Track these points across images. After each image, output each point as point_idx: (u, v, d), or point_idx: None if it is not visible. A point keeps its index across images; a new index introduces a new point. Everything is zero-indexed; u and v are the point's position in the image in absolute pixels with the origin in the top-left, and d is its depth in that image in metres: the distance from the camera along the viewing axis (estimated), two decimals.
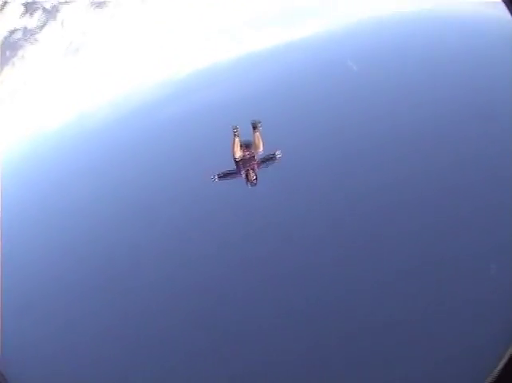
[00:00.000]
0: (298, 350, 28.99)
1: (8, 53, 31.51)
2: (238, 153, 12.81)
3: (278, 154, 12.94)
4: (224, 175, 13.05)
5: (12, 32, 29.77)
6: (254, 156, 13.08)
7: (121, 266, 36.36)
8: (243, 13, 49.07)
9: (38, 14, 30.92)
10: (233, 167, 13.16)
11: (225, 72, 48.26)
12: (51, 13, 32.09)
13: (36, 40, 32.77)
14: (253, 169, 12.92)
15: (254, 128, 12.86)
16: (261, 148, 12.71)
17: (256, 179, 12.85)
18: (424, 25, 44.95)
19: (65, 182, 41.65)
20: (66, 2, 32.68)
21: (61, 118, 44.55)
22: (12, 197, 36.86)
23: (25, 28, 30.69)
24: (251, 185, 12.84)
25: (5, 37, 29.18)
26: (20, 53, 32.61)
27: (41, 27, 32.46)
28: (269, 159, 13.00)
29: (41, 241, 38.43)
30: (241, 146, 12.85)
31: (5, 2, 25.14)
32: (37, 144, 44.41)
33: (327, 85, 44.00)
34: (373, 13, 47.59)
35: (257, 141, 12.80)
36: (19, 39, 31.44)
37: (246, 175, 12.88)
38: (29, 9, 28.68)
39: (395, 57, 44.43)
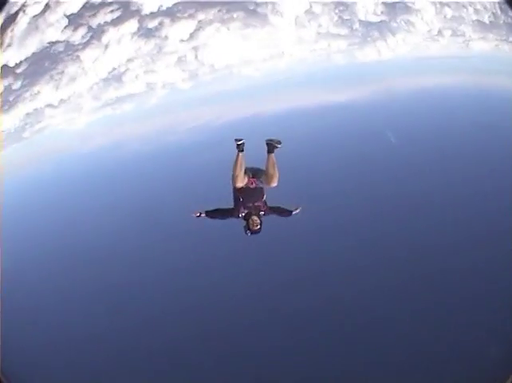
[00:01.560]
0: None
1: (47, 64, 32.07)
2: (241, 179, 9.60)
3: (297, 211, 10.18)
4: (214, 213, 9.99)
5: (53, 43, 30.04)
6: (262, 191, 9.90)
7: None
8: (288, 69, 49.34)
9: (83, 31, 31.23)
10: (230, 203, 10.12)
11: (264, 125, 48.32)
12: (96, 32, 32.48)
13: (78, 57, 33.23)
14: (257, 212, 9.70)
15: (270, 149, 9.72)
16: (275, 181, 9.56)
17: (260, 227, 9.64)
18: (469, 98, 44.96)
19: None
20: (113, 24, 33.15)
21: (91, 144, 45.47)
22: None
23: (68, 42, 31.02)
24: (251, 233, 9.67)
25: (45, 47, 29.42)
26: (60, 67, 33.01)
27: (85, 45, 32.89)
28: (283, 211, 10.20)
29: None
30: (246, 171, 9.74)
31: (48, 6, 25.26)
32: (67, 166, 45.30)
33: (361, 152, 44.43)
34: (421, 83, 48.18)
35: (270, 169, 9.60)
36: (60, 52, 31.75)
37: (247, 218, 9.66)
38: (73, 22, 28.92)
39: (437, 129, 44.63)
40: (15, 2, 22.90)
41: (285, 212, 10.25)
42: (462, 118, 43.90)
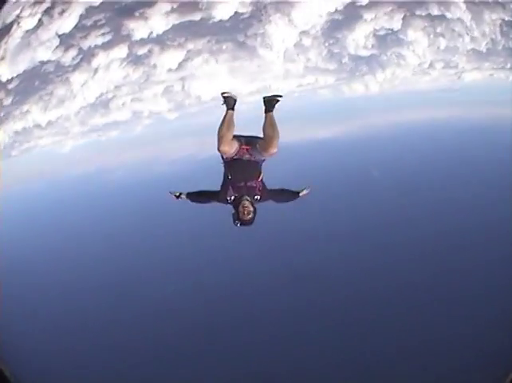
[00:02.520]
0: None
1: (37, 83, 32.29)
2: (227, 142, 7.49)
3: (305, 191, 8.40)
4: (197, 196, 8.26)
5: (44, 63, 30.28)
6: (258, 167, 7.92)
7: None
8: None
9: (73, 53, 31.47)
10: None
11: None
12: (86, 55, 32.74)
13: (67, 79, 33.49)
14: (250, 195, 7.67)
15: (268, 107, 7.87)
16: (274, 145, 7.52)
17: (252, 216, 7.62)
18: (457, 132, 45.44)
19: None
20: (103, 48, 33.54)
21: (76, 169, 45.51)
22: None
23: (58, 63, 31.25)
24: (241, 224, 7.63)
25: (36, 66, 29.65)
26: (49, 87, 33.20)
27: (74, 68, 33.16)
28: (286, 194, 8.30)
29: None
30: (238, 138, 7.79)
31: (41, 22, 25.59)
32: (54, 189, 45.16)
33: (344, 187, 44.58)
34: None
35: (269, 130, 7.62)
36: (50, 73, 31.92)
37: (236, 204, 7.62)
38: (64, 42, 29.22)
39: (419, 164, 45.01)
40: (10, 12, 23.02)
41: (289, 195, 8.34)
42: (451, 152, 44.36)
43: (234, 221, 7.65)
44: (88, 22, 29.83)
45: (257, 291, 35.58)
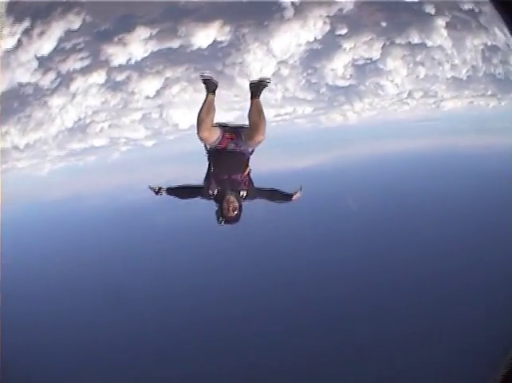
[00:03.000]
0: None
1: (16, 105, 32.41)
2: (207, 128, 6.86)
3: (298, 194, 7.79)
4: (178, 191, 7.56)
5: (23, 85, 30.42)
6: (244, 159, 7.34)
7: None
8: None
9: (52, 76, 31.62)
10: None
11: None
12: (64, 79, 32.95)
13: (45, 103, 33.66)
14: (234, 188, 7.06)
15: (255, 92, 7.32)
16: (260, 131, 6.90)
17: (237, 213, 6.97)
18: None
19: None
20: (82, 73, 33.78)
21: (53, 193, 45.18)
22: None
23: (37, 86, 31.42)
24: (225, 222, 6.94)
25: (15, 88, 29.78)
26: (27, 110, 33.35)
27: (53, 91, 33.34)
28: (278, 195, 7.75)
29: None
30: (222, 127, 7.20)
31: (20, 42, 25.84)
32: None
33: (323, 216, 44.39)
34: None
35: (255, 116, 7.03)
36: (29, 95, 32.20)
37: (219, 199, 6.95)
38: (42, 65, 29.43)
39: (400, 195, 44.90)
40: None
41: (281, 197, 7.75)
42: (428, 182, 44.21)
43: (218, 219, 6.94)
44: (67, 45, 30.07)
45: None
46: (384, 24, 33.55)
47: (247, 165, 7.25)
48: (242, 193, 7.05)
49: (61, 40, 29.02)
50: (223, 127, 7.18)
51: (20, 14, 24.80)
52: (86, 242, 45.30)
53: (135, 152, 45.51)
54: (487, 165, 39.58)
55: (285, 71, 39.00)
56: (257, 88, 7.32)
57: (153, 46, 35.62)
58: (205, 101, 7.09)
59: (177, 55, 37.51)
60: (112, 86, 37.88)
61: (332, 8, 31.48)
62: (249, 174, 7.30)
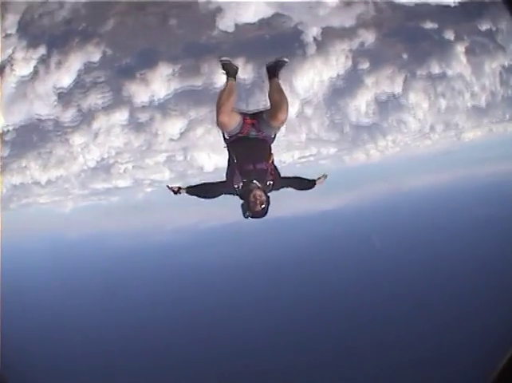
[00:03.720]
0: None
1: (35, 139, 31.81)
2: (227, 112, 6.48)
3: (320, 179, 7.65)
4: (198, 189, 7.14)
5: (43, 120, 29.79)
6: (268, 145, 6.87)
7: None
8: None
9: (72, 112, 31.03)
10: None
11: (250, 231, 47.50)
12: (86, 117, 32.33)
13: (67, 140, 33.01)
14: (262, 181, 6.61)
15: (273, 72, 7.08)
16: (283, 111, 6.50)
17: (265, 206, 6.56)
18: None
19: None
20: (104, 111, 33.13)
21: (75, 230, 44.43)
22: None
23: (57, 121, 30.80)
24: (252, 216, 6.57)
25: (34, 122, 29.16)
26: (48, 146, 32.77)
27: (74, 129, 32.68)
28: (302, 182, 7.49)
29: None
30: (242, 112, 6.87)
31: (37, 71, 25.24)
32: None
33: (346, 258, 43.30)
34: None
35: (275, 95, 6.76)
36: (49, 131, 31.57)
37: (245, 192, 6.58)
38: (62, 99, 28.80)
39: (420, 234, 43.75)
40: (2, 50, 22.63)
41: (305, 183, 7.45)
42: (457, 215, 43.14)
43: (245, 213, 6.65)
44: (88, 79, 29.38)
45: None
46: (404, 56, 32.51)
47: (271, 153, 6.83)
48: (268, 182, 6.69)
49: (80, 72, 28.27)
50: (243, 113, 6.84)
51: (34, 39, 24.20)
52: (107, 282, 44.18)
53: (160, 193, 44.68)
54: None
55: (308, 111, 37.68)
56: (274, 68, 7.12)
57: (176, 84, 34.76)
58: (225, 86, 6.83)
59: (200, 95, 36.58)
60: (136, 127, 37.20)
61: (354, 41, 30.38)
62: (273, 162, 6.87)
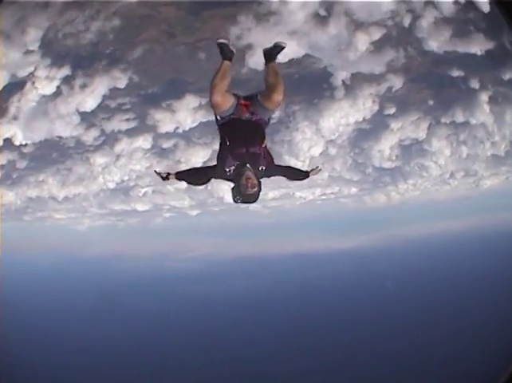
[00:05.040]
0: None
1: (55, 155, 31.18)
2: (221, 92, 6.04)
3: (314, 171, 7.03)
4: (188, 174, 6.55)
5: (63, 138, 29.19)
6: (262, 129, 6.44)
7: None
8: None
9: (95, 133, 30.38)
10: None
11: (268, 266, 46.24)
12: (109, 138, 31.73)
13: (87, 159, 32.36)
14: (254, 165, 6.12)
15: (269, 57, 6.54)
16: (278, 92, 6.11)
17: (257, 190, 6.04)
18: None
19: None
20: (127, 135, 32.44)
21: (91, 250, 43.36)
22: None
23: (79, 140, 30.16)
24: (242, 200, 6.08)
25: (55, 139, 28.53)
26: (68, 163, 32.17)
27: (96, 149, 32.03)
28: (295, 172, 6.93)
29: None
30: (236, 94, 6.36)
31: (60, 91, 24.61)
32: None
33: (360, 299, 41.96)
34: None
35: (271, 78, 6.28)
36: (69, 148, 30.96)
37: (236, 176, 6.07)
38: (84, 120, 28.17)
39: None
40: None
41: (297, 173, 6.87)
42: (470, 263, 42.01)
43: (235, 197, 6.10)
44: (112, 104, 28.69)
45: None
46: (430, 102, 31.72)
47: (264, 136, 6.38)
48: (261, 167, 6.22)
49: (105, 97, 27.54)
50: (237, 94, 6.35)
51: (58, 59, 23.56)
52: (120, 306, 43.05)
53: (179, 219, 44.15)
54: None
55: (332, 150, 37.09)
56: (270, 52, 6.52)
57: (202, 117, 33.94)
58: (220, 67, 6.25)
59: None
60: (158, 152, 36.42)
61: (382, 85, 29.45)
62: (266, 146, 6.41)
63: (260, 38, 24.75)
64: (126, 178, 36.81)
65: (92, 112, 28.11)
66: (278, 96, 6.10)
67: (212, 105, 6.14)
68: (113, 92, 27.89)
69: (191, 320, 40.53)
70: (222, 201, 42.77)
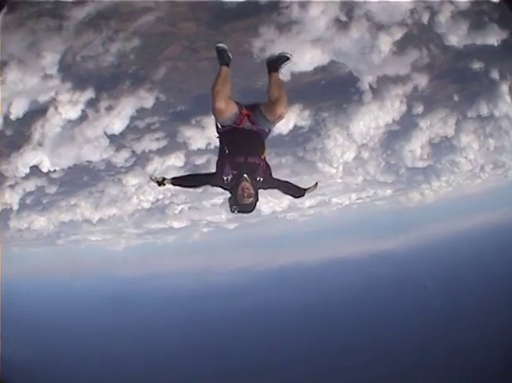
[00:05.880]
0: None
1: (86, 179, 30.45)
2: (224, 99, 5.85)
3: (310, 189, 6.60)
4: (184, 180, 6.45)
5: (93, 162, 28.35)
6: (262, 139, 6.24)
7: None
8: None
9: (125, 155, 29.51)
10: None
11: (307, 274, 44.85)
12: (140, 159, 30.85)
13: (119, 180, 31.56)
14: (251, 175, 5.90)
15: (272, 66, 6.29)
16: (282, 105, 5.88)
17: (253, 200, 5.82)
18: None
19: None
20: (158, 154, 31.49)
21: (128, 269, 42.59)
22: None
23: (109, 162, 29.30)
24: (239, 210, 5.85)
25: (84, 163, 27.69)
26: (100, 185, 31.48)
27: (127, 170, 31.20)
28: (292, 187, 6.52)
29: None
30: (238, 103, 6.14)
31: (85, 115, 23.70)
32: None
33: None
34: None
35: (274, 90, 6.04)
36: (100, 171, 30.24)
37: (233, 185, 5.87)
38: (115, 143, 27.28)
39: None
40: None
41: (294, 189, 6.47)
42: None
43: (231, 206, 5.94)
44: (141, 124, 27.71)
45: None
46: (455, 98, 30.71)
47: (264, 147, 6.24)
48: (258, 178, 6.03)
49: (133, 118, 26.57)
50: (239, 103, 6.17)
51: (79, 82, 22.63)
52: (162, 323, 42.17)
53: (217, 234, 43.34)
54: None
55: (365, 154, 36.40)
56: (275, 62, 6.35)
57: None
58: (219, 73, 6.17)
59: None
60: (192, 169, 35.23)
61: (408, 85, 28.28)
62: (265, 158, 6.21)
63: (284, 48, 23.43)
64: (161, 197, 36.05)
65: (121, 133, 27.15)
66: (281, 110, 5.93)
67: (215, 112, 5.95)
68: (141, 113, 26.89)
69: (240, 333, 39.40)
70: (259, 213, 42.00)
